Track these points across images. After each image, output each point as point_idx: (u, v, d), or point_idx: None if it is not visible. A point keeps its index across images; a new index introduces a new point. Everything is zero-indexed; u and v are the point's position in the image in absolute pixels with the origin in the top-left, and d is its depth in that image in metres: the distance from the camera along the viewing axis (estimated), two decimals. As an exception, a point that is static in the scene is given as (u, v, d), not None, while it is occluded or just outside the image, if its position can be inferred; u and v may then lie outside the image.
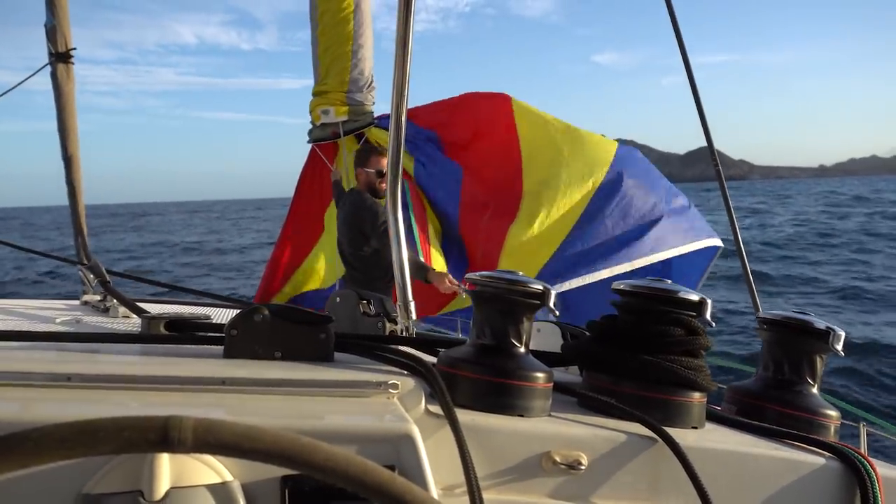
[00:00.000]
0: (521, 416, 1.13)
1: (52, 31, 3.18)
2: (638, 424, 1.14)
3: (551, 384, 1.18)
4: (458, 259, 4.99)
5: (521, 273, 1.21)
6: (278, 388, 1.03)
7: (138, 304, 2.28)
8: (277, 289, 5.21)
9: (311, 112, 5.01)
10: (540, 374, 1.16)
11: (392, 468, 0.89)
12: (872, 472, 1.19)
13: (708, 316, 1.27)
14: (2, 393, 0.94)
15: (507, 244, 4.55)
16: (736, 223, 3.04)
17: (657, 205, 4.62)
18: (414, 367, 1.16)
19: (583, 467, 1.07)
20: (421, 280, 4.09)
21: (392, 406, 1.03)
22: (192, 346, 1.26)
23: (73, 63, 3.21)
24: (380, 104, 5.04)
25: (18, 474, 0.61)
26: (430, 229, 4.98)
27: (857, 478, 1.19)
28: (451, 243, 5.05)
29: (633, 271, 4.35)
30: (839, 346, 1.38)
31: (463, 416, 1.02)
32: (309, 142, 5.14)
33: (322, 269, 5.27)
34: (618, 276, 4.27)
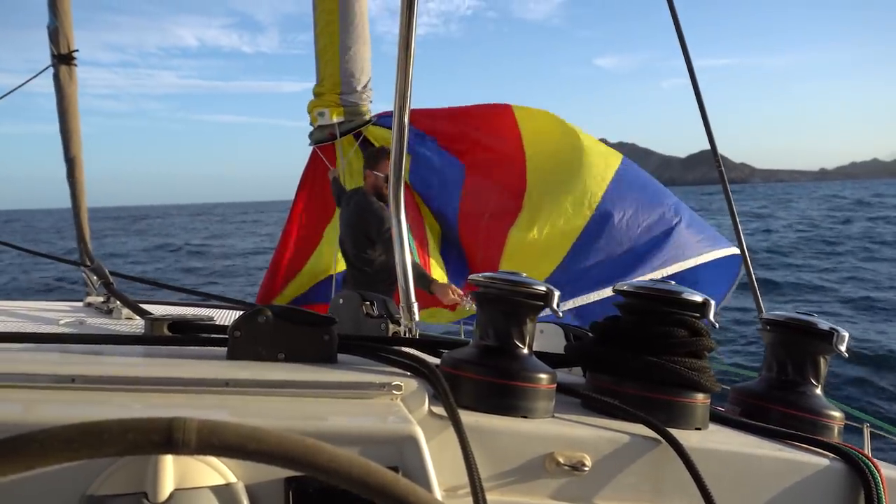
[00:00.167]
0: (525, 417, 1.12)
1: (55, 33, 3.19)
2: (641, 426, 1.14)
3: (555, 385, 1.18)
4: (458, 262, 4.98)
5: (523, 274, 1.21)
6: (282, 389, 1.03)
7: (141, 305, 2.28)
8: (278, 291, 5.21)
9: (309, 114, 5.03)
10: (543, 376, 1.16)
11: (395, 469, 0.89)
12: (877, 473, 1.18)
13: (711, 317, 1.26)
14: (6, 394, 0.94)
15: (508, 247, 4.55)
16: (739, 225, 3.04)
17: (664, 216, 4.60)
18: (417, 369, 1.16)
19: (586, 468, 1.07)
20: (424, 290, 4.09)
21: (395, 407, 1.03)
22: (196, 348, 1.26)
23: (75, 65, 3.22)
24: (382, 106, 5.05)
25: (23, 476, 0.61)
26: (429, 237, 4.97)
27: (860, 479, 1.18)
28: (451, 246, 5.04)
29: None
30: (843, 347, 1.38)
31: (466, 417, 1.02)
32: (310, 144, 5.15)
33: (323, 272, 5.27)
34: None
